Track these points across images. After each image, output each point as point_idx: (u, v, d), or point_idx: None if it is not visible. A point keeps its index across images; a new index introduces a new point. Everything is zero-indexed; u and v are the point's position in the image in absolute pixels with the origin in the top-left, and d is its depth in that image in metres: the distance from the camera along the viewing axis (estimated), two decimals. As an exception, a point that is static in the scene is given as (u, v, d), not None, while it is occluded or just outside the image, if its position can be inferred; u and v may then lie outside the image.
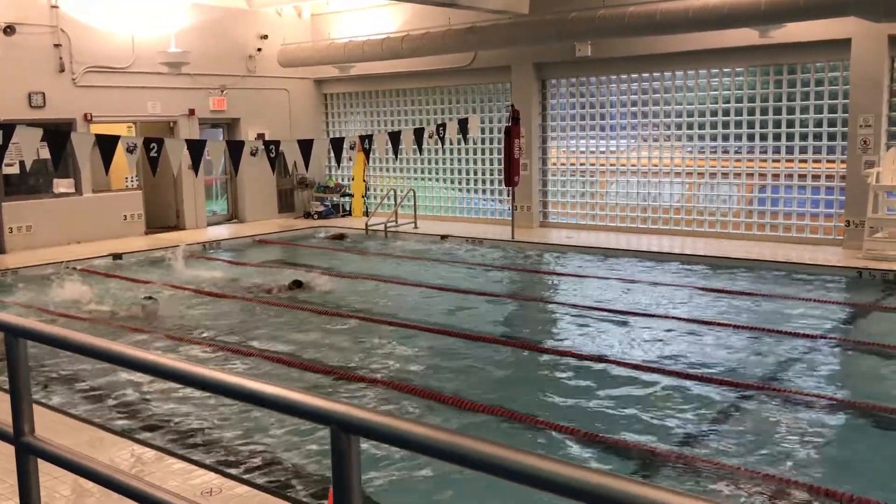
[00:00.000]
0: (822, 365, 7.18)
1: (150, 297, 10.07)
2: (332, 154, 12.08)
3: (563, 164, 15.85)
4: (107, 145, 10.10)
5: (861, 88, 11.94)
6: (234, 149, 11.09)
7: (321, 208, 18.03)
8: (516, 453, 1.35)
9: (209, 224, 16.96)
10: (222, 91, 16.76)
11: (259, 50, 17.33)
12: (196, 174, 14.88)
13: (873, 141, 11.88)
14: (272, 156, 11.14)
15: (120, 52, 15.22)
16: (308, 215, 18.02)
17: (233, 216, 17.76)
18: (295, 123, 18.04)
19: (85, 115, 14.69)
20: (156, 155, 10.40)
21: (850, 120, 12.11)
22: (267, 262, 13.20)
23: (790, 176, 13.17)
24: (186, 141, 11.15)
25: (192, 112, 16.29)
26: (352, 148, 12.51)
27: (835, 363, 7.40)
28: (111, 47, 15.11)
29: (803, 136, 12.92)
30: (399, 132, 13.14)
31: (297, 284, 10.63)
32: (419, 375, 7.01)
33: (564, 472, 1.29)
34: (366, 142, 12.47)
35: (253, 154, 11.03)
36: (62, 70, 14.42)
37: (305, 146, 11.46)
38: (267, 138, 14.98)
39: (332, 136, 17.59)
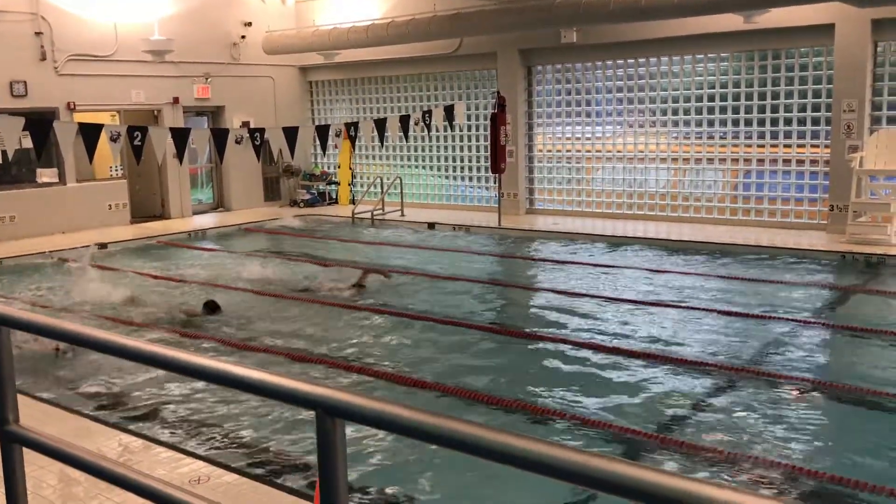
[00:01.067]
0: (806, 348, 7.24)
1: (213, 303, 8.93)
2: (318, 142, 12.02)
3: (549, 151, 15.86)
4: (90, 134, 10.01)
5: (844, 73, 12.00)
6: (219, 137, 11.02)
7: (307, 196, 17.98)
8: (502, 435, 1.35)
9: (195, 213, 16.87)
10: (206, 79, 16.64)
11: (243, 37, 17.21)
12: (181, 163, 14.79)
13: (857, 126, 11.94)
14: (257, 144, 11.09)
15: (102, 39, 15.08)
16: (294, 203, 17.96)
17: (218, 205, 17.68)
18: (280, 111, 17.95)
19: (68, 103, 14.56)
20: (140, 143, 10.32)
21: (834, 105, 12.16)
22: (256, 252, 13.15)
23: (775, 161, 13.24)
24: (171, 129, 11.08)
25: (176, 100, 16.17)
26: (337, 135, 12.46)
27: (819, 346, 7.46)
28: (93, 35, 14.97)
29: (788, 122, 12.97)
30: (385, 119, 13.09)
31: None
32: (399, 356, 7.02)
33: (553, 454, 1.30)
34: (351, 129, 12.43)
35: (238, 142, 10.97)
36: (43, 58, 14.28)
37: (290, 134, 11.41)
38: (252, 126, 14.93)
39: (317, 123, 17.51)
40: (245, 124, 16.45)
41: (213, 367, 1.73)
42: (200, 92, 16.60)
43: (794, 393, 6.06)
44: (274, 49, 17.21)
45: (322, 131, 12.00)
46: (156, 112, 16.12)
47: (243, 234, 14.90)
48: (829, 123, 12.35)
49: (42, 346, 7.13)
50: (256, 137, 11.14)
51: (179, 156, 12.25)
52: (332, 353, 7.34)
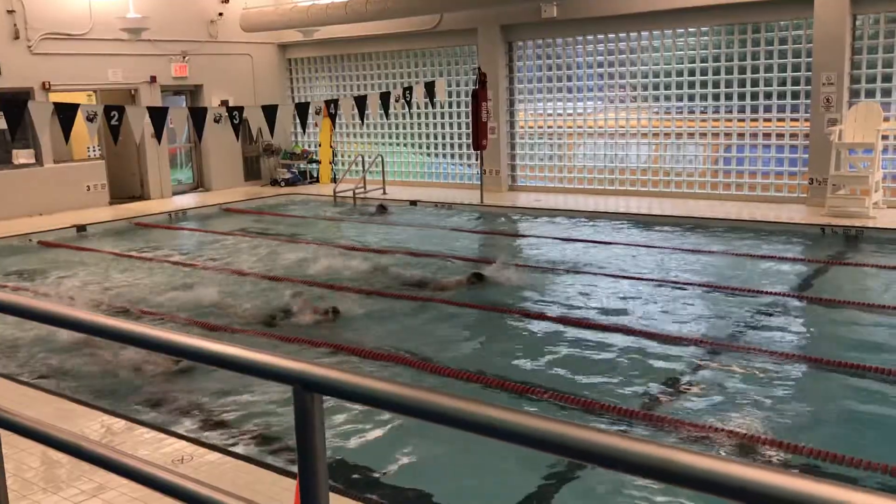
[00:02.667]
0: (786, 321, 7.31)
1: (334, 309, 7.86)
2: (298, 120, 11.92)
3: (530, 127, 15.82)
4: (65, 114, 9.89)
5: (824, 47, 12.02)
6: (197, 116, 10.91)
7: (288, 175, 17.86)
8: (483, 407, 1.35)
9: (174, 193, 16.74)
10: (184, 57, 16.44)
11: (220, 15, 16.99)
12: (159, 142, 14.65)
13: (836, 99, 11.99)
14: (236, 122, 10.99)
15: (77, 18, 14.83)
16: (275, 182, 17.85)
17: (198, 185, 17.53)
18: (259, 89, 17.77)
19: (43, 83, 14.33)
20: (117, 123, 10.21)
21: (814, 78, 12.20)
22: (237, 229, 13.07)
23: (755, 135, 13.28)
24: (148, 108, 10.95)
25: (153, 79, 15.97)
26: (317, 113, 12.38)
27: (799, 319, 7.53)
28: (67, 13, 14.72)
29: (767, 95, 13.01)
30: (365, 97, 13.01)
31: (478, 277, 8.69)
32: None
33: (533, 425, 1.29)
34: (331, 107, 12.33)
35: (216, 121, 10.87)
36: (17, 37, 14.03)
37: (270, 112, 11.32)
38: (231, 105, 14.77)
39: (297, 101, 17.35)
40: (224, 103, 16.28)
41: (189, 343, 1.72)
42: (178, 70, 16.40)
43: (775, 366, 6.11)
44: (252, 26, 17.01)
45: (302, 109, 11.91)
46: (133, 91, 15.91)
47: (227, 215, 14.79)
48: (809, 97, 12.39)
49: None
50: (235, 116, 11.04)
51: (158, 135, 12.13)
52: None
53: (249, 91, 17.53)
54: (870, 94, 12.02)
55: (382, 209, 14.43)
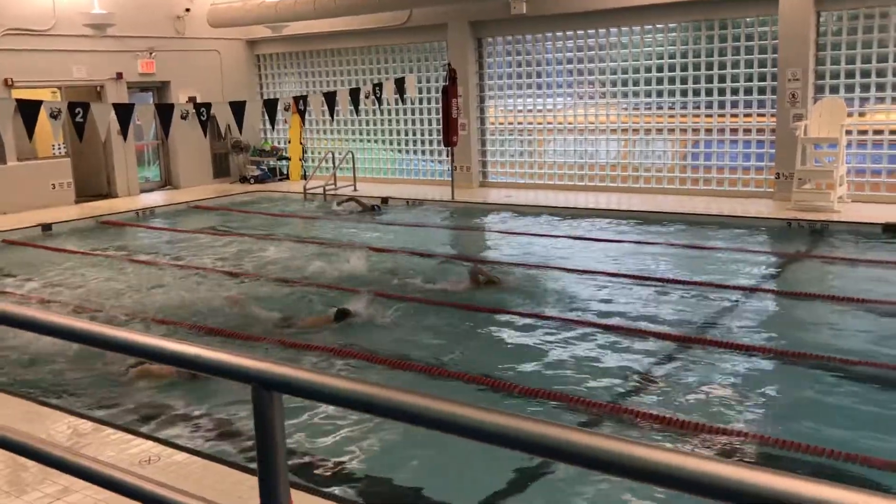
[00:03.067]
0: (753, 314, 7.39)
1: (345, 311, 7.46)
2: (267, 117, 11.82)
3: (501, 124, 15.85)
4: (29, 111, 9.71)
5: (789, 43, 12.17)
6: (164, 112, 10.78)
7: (257, 172, 17.73)
8: (446, 404, 1.34)
9: (142, 191, 16.54)
10: (150, 53, 16.24)
11: (187, 10, 16.80)
12: (125, 140, 14.45)
13: (801, 94, 12.15)
14: (203, 119, 10.87)
15: (40, 13, 14.58)
16: (244, 180, 17.71)
17: (166, 182, 17.34)
18: (227, 85, 17.60)
19: (5, 80, 14.08)
20: (82, 120, 10.04)
21: (779, 74, 12.34)
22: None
23: (722, 130, 13.41)
24: (113, 105, 10.80)
25: (119, 75, 15.75)
26: (286, 110, 12.29)
27: (766, 312, 7.62)
28: (31, 9, 14.47)
29: (734, 91, 13.14)
30: (334, 93, 12.94)
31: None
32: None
33: (496, 421, 1.29)
34: (300, 103, 12.25)
35: (183, 118, 10.74)
36: (-22, 33, 13.78)
37: (238, 108, 11.21)
38: (198, 101, 14.61)
39: (266, 98, 17.23)
40: (191, 99, 16.10)
41: (147, 343, 1.69)
42: (144, 67, 16.19)
43: (743, 359, 6.18)
44: (219, 22, 16.84)
45: (270, 106, 11.81)
46: (98, 88, 15.69)
47: (196, 213, 14.64)
48: (775, 93, 12.54)
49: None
50: (203, 113, 10.91)
51: (124, 133, 11.96)
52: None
53: (217, 87, 17.36)
54: (834, 89, 12.19)
55: (374, 208, 13.95)
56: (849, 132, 11.93)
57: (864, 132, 12.20)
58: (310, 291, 8.62)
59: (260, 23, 16.44)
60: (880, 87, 11.95)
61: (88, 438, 4.81)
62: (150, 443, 4.74)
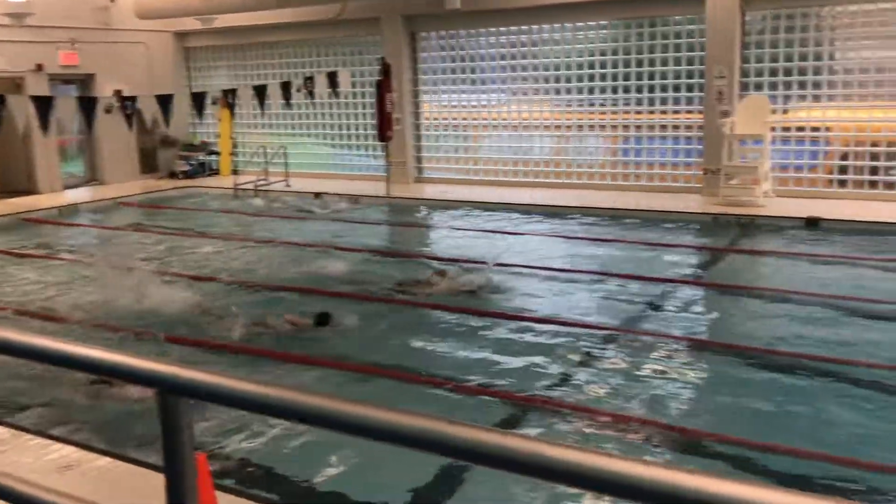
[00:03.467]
0: (683, 307, 7.52)
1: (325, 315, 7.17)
2: (195, 110, 11.56)
3: (436, 119, 15.82)
4: (-60, 103, 9.29)
5: (716, 42, 12.44)
6: (86, 106, 10.42)
7: (187, 167, 17.32)
8: (359, 407, 1.30)
9: (66, 187, 15.98)
10: (73, 44, 15.69)
11: (112, 1, 16.29)
12: (45, 133, 13.93)
13: (728, 92, 12.43)
14: (128, 113, 10.55)
15: (-47, 1, 13.97)
16: (173, 175, 17.28)
17: (92, 178, 16.80)
18: (155, 79, 17.13)
19: (-84, 70, 13.45)
20: (-2, 113, 9.65)
21: (707, 72, 12.61)
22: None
23: (652, 127, 13.65)
24: (31, 98, 10.39)
25: (39, 67, 15.18)
26: (214, 103, 12.03)
27: (695, 305, 7.76)
28: (-58, -4, 13.85)
29: (664, 89, 13.38)
30: (265, 86, 12.71)
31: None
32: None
33: (405, 422, 1.25)
34: (229, 96, 12.00)
35: (108, 111, 10.41)
36: None
37: (165, 102, 10.92)
38: (125, 94, 14.18)
39: (196, 91, 16.83)
40: (117, 93, 15.61)
41: (48, 346, 1.60)
42: (66, 59, 15.63)
43: (672, 351, 6.28)
44: (146, 13, 16.37)
45: (198, 99, 11.54)
46: (18, 80, 15.09)
47: (122, 209, 14.22)
48: (703, 90, 12.80)
49: None
50: (128, 106, 10.60)
51: (44, 126, 11.49)
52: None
53: (145, 80, 16.87)
54: (758, 87, 12.51)
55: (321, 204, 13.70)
56: (773, 129, 12.26)
57: (788, 129, 12.56)
58: (255, 292, 8.38)
59: (189, 15, 16.04)
60: (802, 85, 12.31)
61: (5, 445, 4.62)
62: (70, 448, 4.58)
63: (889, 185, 11.97)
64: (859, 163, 12.13)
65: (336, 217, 12.87)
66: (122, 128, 11.50)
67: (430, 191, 14.69)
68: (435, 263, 9.40)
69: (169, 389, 1.40)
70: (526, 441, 1.12)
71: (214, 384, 1.37)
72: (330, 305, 7.53)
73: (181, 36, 17.96)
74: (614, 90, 13.79)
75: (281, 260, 9.79)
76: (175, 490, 1.43)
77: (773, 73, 12.44)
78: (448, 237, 11.29)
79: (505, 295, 8.01)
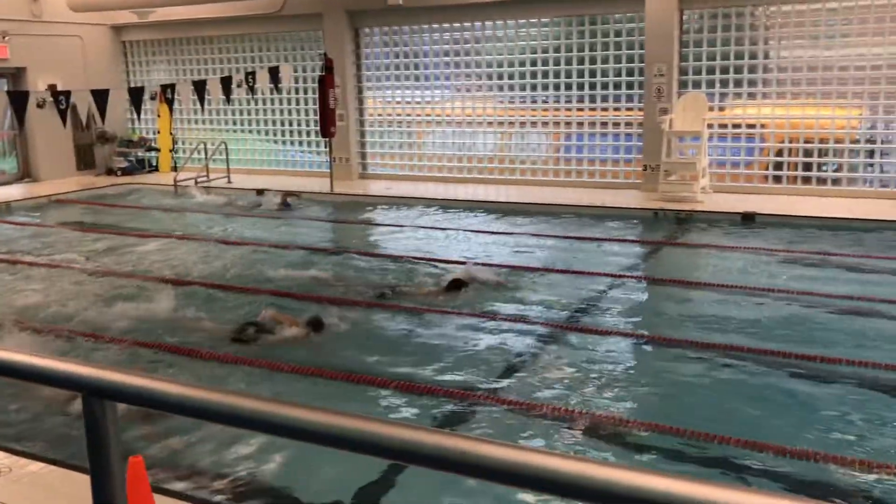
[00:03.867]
0: (622, 300, 7.64)
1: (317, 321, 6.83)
2: (132, 105, 11.30)
3: (380, 115, 15.77)
4: None
5: (655, 39, 12.65)
6: (17, 100, 10.11)
7: (125, 164, 16.94)
8: (284, 407, 1.29)
9: (-3, 184, 15.51)
10: (3, 37, 15.20)
11: (44, -9, 15.83)
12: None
13: (666, 89, 12.66)
14: (62, 108, 10.27)
15: None
16: (111, 172, 16.88)
17: (24, 175, 16.31)
18: (91, 73, 16.69)
19: None
20: (-77, 108, 9.30)
21: (646, 70, 12.82)
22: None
23: (593, 124, 13.82)
24: (-42, 92, 10.04)
25: (-33, 60, 14.69)
26: (153, 99, 11.79)
27: (634, 298, 7.89)
28: None
29: (605, 86, 13.55)
30: (204, 81, 12.50)
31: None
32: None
33: (331, 422, 1.25)
34: (168, 92, 11.77)
35: (40, 106, 10.11)
36: None
37: (100, 97, 10.65)
38: (59, 89, 13.81)
39: (133, 86, 16.47)
40: (51, 87, 15.20)
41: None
42: (-4, 51, 15.16)
43: (614, 346, 6.38)
44: (81, 6, 15.94)
45: (135, 94, 11.30)
46: (-55, 73, 14.58)
47: (58, 207, 13.84)
48: (643, 87, 13.01)
49: None
50: (62, 101, 10.31)
51: (-28, 121, 11.14)
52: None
53: (80, 75, 16.43)
54: (696, 84, 12.77)
55: (285, 204, 13.22)
56: (710, 126, 12.53)
57: (725, 126, 12.85)
58: (204, 292, 8.22)
59: (125, 7, 15.68)
60: (738, 83, 12.61)
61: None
62: (1, 454, 4.44)
63: (822, 181, 12.35)
64: (793, 159, 12.48)
65: (277, 214, 12.73)
66: (56, 123, 11.17)
67: (375, 187, 14.65)
68: (377, 261, 9.37)
69: (94, 393, 1.37)
70: (452, 438, 1.13)
71: (142, 387, 1.34)
72: (271, 305, 7.45)
73: (118, 29, 17.54)
74: (556, 87, 13.93)
75: (223, 259, 9.64)
76: (101, 493, 1.40)
77: (711, 71, 12.70)
78: (392, 233, 11.26)
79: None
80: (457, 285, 7.78)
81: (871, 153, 12.17)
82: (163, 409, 1.36)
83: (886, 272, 8.41)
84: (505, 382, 5.66)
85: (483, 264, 8.82)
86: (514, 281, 8.34)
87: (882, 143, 12.09)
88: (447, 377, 5.73)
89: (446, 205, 12.78)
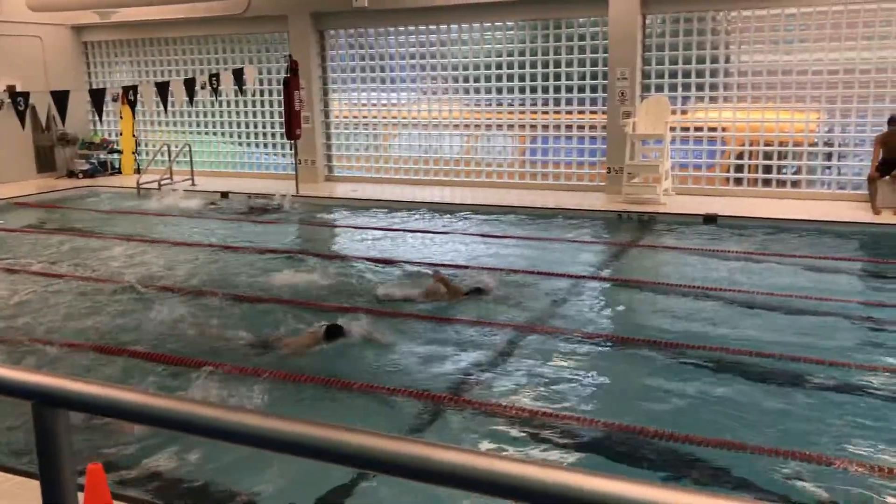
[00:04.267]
0: (587, 301, 7.71)
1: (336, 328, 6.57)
2: (93, 107, 11.15)
3: (346, 117, 15.73)
4: None
5: (618, 43, 12.78)
6: (-26, 102, 9.93)
7: (86, 166, 16.70)
8: (238, 414, 1.30)
9: (-46, 187, 15.20)
10: (-40, 37, 14.92)
11: (2, -9, 15.56)
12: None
13: (630, 93, 12.80)
14: (21, 109, 10.10)
15: None
16: (72, 174, 16.64)
17: (-17, 177, 16.01)
18: (51, 74, 16.45)
19: None
20: None
21: (610, 73, 12.94)
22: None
23: (558, 127, 13.93)
24: (-88, 93, 9.84)
25: (-78, 60, 14.38)
26: (114, 100, 11.64)
27: (598, 299, 7.96)
28: None
29: (569, 89, 13.66)
30: (167, 83, 12.38)
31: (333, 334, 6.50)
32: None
33: (286, 429, 1.26)
34: (131, 93, 11.64)
35: (-3, 107, 9.94)
36: None
37: (60, 98, 10.50)
38: (18, 90, 13.58)
39: (95, 88, 16.26)
40: (10, 88, 14.94)
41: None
42: (-47, 51, 14.86)
43: (576, 346, 6.44)
44: (41, 6, 15.68)
45: (97, 96, 11.15)
46: None
47: (17, 210, 13.59)
48: (606, 91, 13.14)
49: None
50: (20, 102, 10.14)
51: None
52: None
53: (40, 76, 16.19)
54: (659, 88, 12.92)
55: (261, 209, 12.95)
56: (673, 129, 12.69)
57: (687, 129, 13.02)
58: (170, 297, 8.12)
59: (87, 8, 15.46)
60: (700, 87, 12.78)
61: None
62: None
63: (781, 183, 12.57)
64: (754, 162, 12.69)
65: (240, 217, 12.64)
66: (15, 125, 10.98)
67: (341, 189, 14.61)
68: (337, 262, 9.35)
69: (46, 401, 1.37)
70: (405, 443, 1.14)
71: (91, 394, 1.34)
72: (243, 309, 7.41)
73: (79, 30, 17.30)
74: (522, 90, 14.01)
75: (188, 262, 9.55)
76: (52, 502, 1.39)
77: (673, 74, 12.87)
78: (357, 236, 11.24)
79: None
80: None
81: (828, 156, 12.42)
82: (116, 417, 1.36)
83: (843, 272, 8.61)
84: (464, 385, 5.68)
85: (447, 265, 8.85)
86: (478, 282, 8.36)
87: (839, 145, 12.35)
88: (406, 378, 5.74)
89: (412, 207, 12.78)
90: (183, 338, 6.73)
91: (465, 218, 11.97)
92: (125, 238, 11.00)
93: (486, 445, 4.81)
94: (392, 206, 12.90)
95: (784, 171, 12.62)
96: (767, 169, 12.62)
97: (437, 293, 7.73)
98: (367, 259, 9.49)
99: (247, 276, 8.88)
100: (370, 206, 13.05)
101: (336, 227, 12.22)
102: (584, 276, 8.51)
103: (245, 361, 6.12)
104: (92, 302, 7.89)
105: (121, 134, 17.13)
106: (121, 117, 16.45)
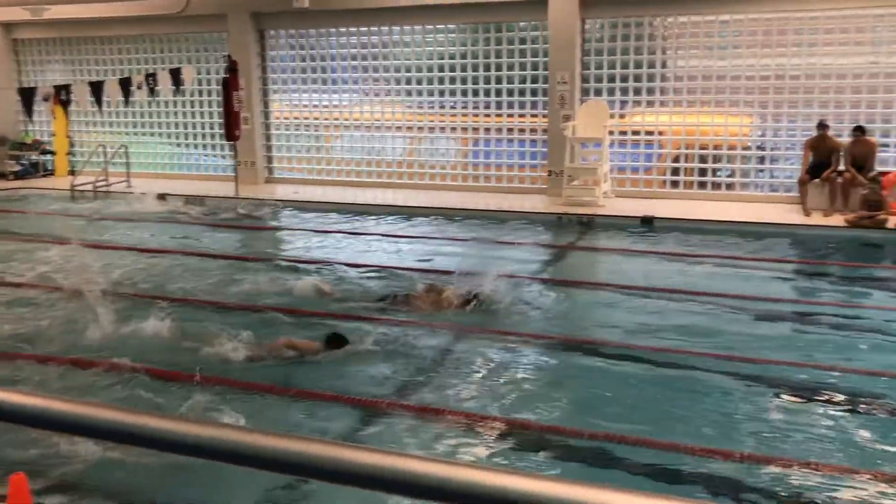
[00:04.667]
0: (528, 302, 7.77)
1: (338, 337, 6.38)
2: (23, 107, 10.83)
3: (286, 119, 15.59)
4: None
5: (558, 48, 12.95)
6: None
7: (18, 168, 16.21)
8: (165, 420, 1.28)
9: None
10: None
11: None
12: None
13: (569, 97, 12.97)
14: (-54, 108, 9.74)
15: None
16: (2, 176, 16.12)
17: None
18: (-21, 72, 15.94)
19: None
20: None
21: (550, 77, 13.10)
22: None
23: (500, 130, 14.04)
24: None
25: None
26: (45, 100, 11.33)
27: (539, 299, 8.02)
28: None
29: (510, 93, 13.79)
30: (102, 82, 12.09)
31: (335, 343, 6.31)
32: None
33: (224, 437, 1.25)
34: (62, 93, 11.33)
35: (-79, 106, 9.56)
36: None
37: (-12, 98, 10.16)
38: (-57, 89, 13.12)
39: (24, 87, 15.78)
40: (-65, 86, 14.43)
41: None
42: None
43: (517, 348, 6.48)
44: (-32, 1, 15.21)
45: (26, 94, 10.83)
46: None
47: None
48: (547, 95, 13.29)
49: None
50: (-55, 101, 9.78)
51: None
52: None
53: (-33, 74, 15.67)
54: (598, 92, 13.13)
55: (245, 215, 12.50)
56: (611, 132, 12.90)
57: (625, 133, 13.25)
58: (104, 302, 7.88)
59: (16, 4, 15.02)
60: (637, 91, 13.03)
61: None
62: None
63: (717, 186, 12.89)
64: (690, 165, 12.98)
65: (178, 219, 12.41)
66: (-61, 124, 10.60)
67: (281, 191, 14.46)
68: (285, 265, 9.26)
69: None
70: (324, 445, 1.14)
71: (18, 404, 1.31)
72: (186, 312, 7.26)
73: (8, 27, 16.78)
74: (464, 93, 14.08)
75: (123, 266, 9.34)
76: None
77: (612, 79, 13.09)
78: (298, 238, 11.14)
79: (359, 294, 8.00)
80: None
81: (761, 160, 12.77)
82: (45, 428, 1.33)
83: (775, 272, 8.86)
84: (406, 390, 5.68)
85: (387, 267, 8.84)
86: (420, 284, 8.36)
87: (771, 149, 12.72)
88: (347, 383, 5.72)
89: (354, 209, 12.73)
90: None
91: (408, 220, 11.96)
92: (54, 241, 10.69)
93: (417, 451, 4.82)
94: (334, 209, 12.82)
95: (719, 174, 12.94)
96: (703, 172, 12.93)
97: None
98: (292, 260, 9.41)
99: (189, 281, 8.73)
100: (309, 208, 12.95)
101: (268, 229, 12.09)
102: (522, 277, 8.57)
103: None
104: (17, 305, 7.65)
105: (54, 134, 16.66)
106: (53, 117, 16.00)
